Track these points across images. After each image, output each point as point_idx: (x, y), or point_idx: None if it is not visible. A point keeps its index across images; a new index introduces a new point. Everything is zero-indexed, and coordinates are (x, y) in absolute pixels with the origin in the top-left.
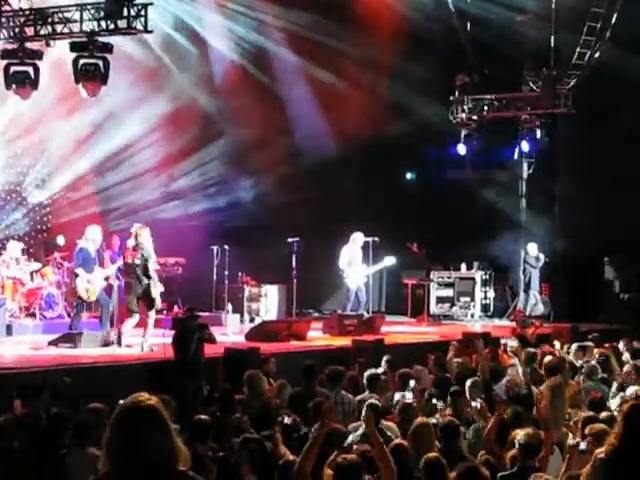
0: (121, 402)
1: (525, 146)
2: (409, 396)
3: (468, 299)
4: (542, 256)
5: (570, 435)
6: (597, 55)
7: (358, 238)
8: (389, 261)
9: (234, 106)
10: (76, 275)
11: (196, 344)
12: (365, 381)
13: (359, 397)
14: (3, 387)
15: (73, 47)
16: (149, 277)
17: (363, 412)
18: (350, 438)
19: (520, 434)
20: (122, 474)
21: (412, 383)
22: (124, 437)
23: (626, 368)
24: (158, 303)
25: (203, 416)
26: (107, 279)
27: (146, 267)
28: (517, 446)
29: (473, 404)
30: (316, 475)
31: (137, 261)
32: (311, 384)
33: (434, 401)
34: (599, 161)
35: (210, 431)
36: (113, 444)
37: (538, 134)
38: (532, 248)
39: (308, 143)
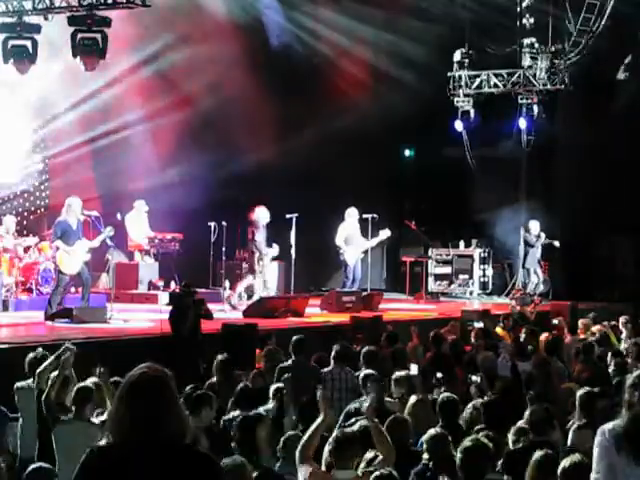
0: (130, 373)
1: (522, 123)
2: (414, 369)
3: (466, 277)
4: (543, 234)
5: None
6: (597, 31)
7: (353, 213)
8: (384, 234)
9: (231, 78)
10: (57, 248)
11: (193, 320)
12: (363, 357)
13: (363, 373)
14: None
15: (71, 21)
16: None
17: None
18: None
19: (530, 410)
20: (127, 446)
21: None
22: (131, 408)
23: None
24: None
25: (203, 390)
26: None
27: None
28: (527, 422)
29: (474, 378)
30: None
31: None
32: (299, 358)
33: (439, 375)
34: (599, 138)
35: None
36: (120, 414)
37: (536, 111)
38: (534, 226)
39: (305, 118)
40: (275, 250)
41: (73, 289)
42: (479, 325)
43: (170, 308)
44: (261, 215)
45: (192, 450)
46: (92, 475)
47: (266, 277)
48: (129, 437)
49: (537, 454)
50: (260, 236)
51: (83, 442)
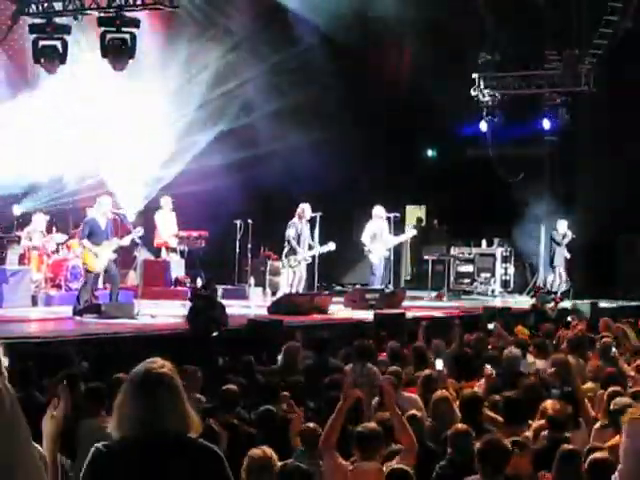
0: (135, 369)
1: (546, 124)
2: (439, 365)
3: (488, 275)
4: (570, 233)
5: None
6: (620, 33)
7: (379, 211)
8: (410, 233)
9: (260, 78)
10: (83, 247)
11: (207, 319)
12: (388, 353)
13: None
14: (29, 357)
15: (101, 22)
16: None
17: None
18: None
19: (549, 408)
20: (133, 443)
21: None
22: (137, 404)
23: None
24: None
25: (230, 386)
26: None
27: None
28: (546, 420)
29: (488, 367)
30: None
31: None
32: (325, 357)
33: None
34: (621, 139)
35: (237, 401)
36: (125, 411)
37: (559, 112)
38: (561, 225)
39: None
40: (327, 247)
41: (101, 284)
42: (492, 325)
43: (190, 305)
44: (306, 211)
45: (195, 443)
46: (99, 473)
47: (301, 274)
48: (134, 433)
49: (563, 448)
50: (294, 231)
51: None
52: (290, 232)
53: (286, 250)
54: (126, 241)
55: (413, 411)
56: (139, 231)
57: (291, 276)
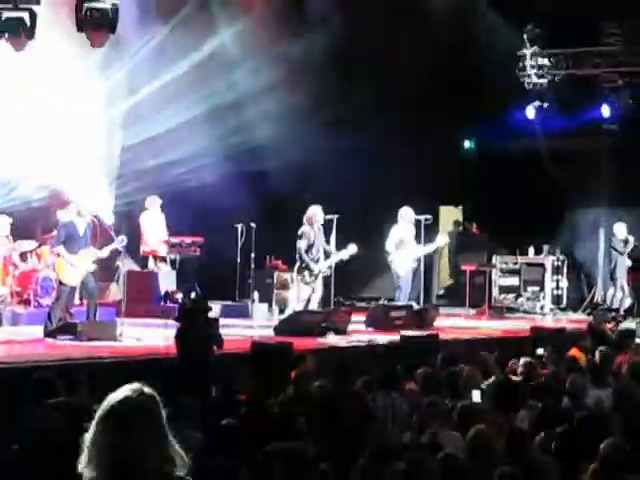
0: (110, 397)
1: (605, 111)
2: (477, 396)
3: (537, 289)
4: (632, 239)
5: None
6: None
7: (407, 214)
8: (442, 240)
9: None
10: (57, 254)
11: (204, 342)
12: (419, 382)
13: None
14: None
15: None
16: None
17: None
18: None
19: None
20: None
21: None
22: (109, 439)
23: None
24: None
25: (231, 420)
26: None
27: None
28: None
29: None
30: None
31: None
32: (344, 387)
33: None
34: None
35: (240, 437)
36: (96, 447)
37: (621, 96)
38: (620, 229)
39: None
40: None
41: (78, 300)
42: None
43: (178, 326)
44: (318, 214)
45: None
46: None
47: (315, 290)
48: (109, 470)
49: None
50: (305, 243)
51: None
52: (301, 244)
53: (298, 265)
54: (105, 253)
55: (447, 450)
56: (122, 240)
57: (304, 291)
